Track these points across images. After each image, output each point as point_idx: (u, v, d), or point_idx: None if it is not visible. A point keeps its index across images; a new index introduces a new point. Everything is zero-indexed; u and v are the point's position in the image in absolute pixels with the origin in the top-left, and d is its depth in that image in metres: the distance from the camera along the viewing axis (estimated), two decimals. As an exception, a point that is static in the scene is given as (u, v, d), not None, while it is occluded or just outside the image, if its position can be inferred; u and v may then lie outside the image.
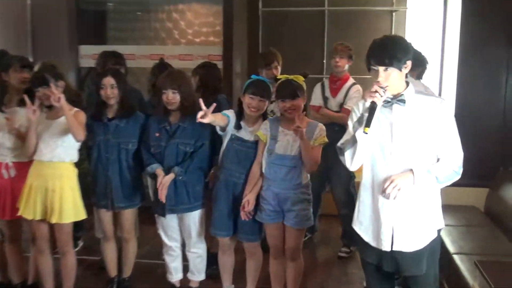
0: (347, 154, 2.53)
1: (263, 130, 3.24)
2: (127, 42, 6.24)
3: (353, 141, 2.48)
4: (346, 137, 2.57)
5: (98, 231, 3.87)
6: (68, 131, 3.32)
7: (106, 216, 3.62)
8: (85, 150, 3.66)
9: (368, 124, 2.38)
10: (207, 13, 6.23)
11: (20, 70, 3.58)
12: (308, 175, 3.25)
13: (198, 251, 3.63)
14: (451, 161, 2.44)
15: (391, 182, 2.41)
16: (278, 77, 3.28)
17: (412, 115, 2.44)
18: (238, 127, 3.32)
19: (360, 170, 2.63)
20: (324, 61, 5.67)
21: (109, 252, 3.74)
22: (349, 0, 5.71)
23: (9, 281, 3.74)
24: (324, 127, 3.19)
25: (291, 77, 3.21)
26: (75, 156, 3.47)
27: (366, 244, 2.61)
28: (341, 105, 4.36)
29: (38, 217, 3.38)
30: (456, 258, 3.50)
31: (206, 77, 4.02)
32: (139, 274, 3.95)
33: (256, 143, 3.30)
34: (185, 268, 3.73)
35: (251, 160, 3.30)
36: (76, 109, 3.39)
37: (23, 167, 3.45)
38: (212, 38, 6.22)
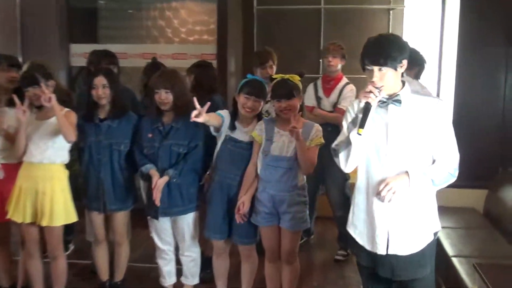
0: (341, 155, 2.52)
1: (258, 131, 3.24)
2: (119, 41, 6.23)
3: (347, 143, 2.47)
4: (340, 138, 2.56)
5: (89, 234, 3.86)
6: (59, 132, 3.31)
7: (97, 218, 3.61)
8: (76, 151, 3.65)
9: (362, 125, 2.38)
10: (201, 11, 6.23)
11: (8, 69, 3.57)
12: (304, 177, 3.25)
13: (192, 255, 3.62)
14: (447, 163, 2.44)
15: (386, 184, 2.41)
16: (273, 77, 3.28)
17: (408, 115, 2.43)
18: (232, 127, 3.32)
19: (355, 171, 2.63)
20: (320, 60, 5.67)
21: (101, 256, 3.74)
22: (346, -2, 5.74)
23: (-2, 285, 3.73)
24: (320, 128, 3.19)
25: (286, 76, 3.21)
26: (66, 158, 3.46)
27: (361, 248, 2.61)
28: (335, 105, 4.37)
29: (28, 220, 3.37)
30: (455, 261, 3.51)
31: (202, 77, 4.01)
32: (132, 278, 3.94)
33: (250, 144, 3.30)
34: (179, 272, 3.72)
35: (245, 161, 3.30)
36: (66, 109, 3.38)
37: (13, 169, 3.44)
38: (206, 36, 6.22)
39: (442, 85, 5.22)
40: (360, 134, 2.39)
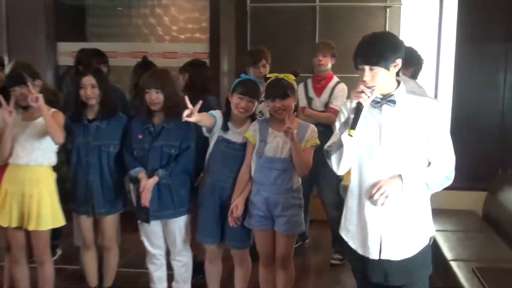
0: (333, 158, 2.51)
1: (252, 132, 3.24)
2: (108, 39, 6.22)
3: (340, 144, 2.45)
4: (333, 139, 2.54)
5: (77, 238, 3.85)
6: (46, 133, 3.30)
7: (86, 222, 3.60)
8: (64, 153, 3.64)
9: (353, 127, 2.35)
10: (193, 9, 6.22)
11: None
12: (300, 179, 3.25)
13: (184, 259, 3.62)
14: (442, 166, 2.43)
15: (379, 188, 2.39)
16: (267, 76, 3.29)
17: (403, 116, 2.41)
18: (225, 128, 3.32)
19: (348, 173, 2.61)
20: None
21: (89, 261, 3.72)
22: (341, -5, 5.76)
23: (-17, 292, 3.71)
24: (315, 129, 3.20)
25: (281, 75, 3.21)
26: (53, 160, 3.45)
27: (354, 252, 2.60)
28: (327, 105, 4.38)
29: (14, 224, 3.35)
30: (454, 265, 3.52)
31: (196, 76, 4.01)
32: (121, 283, 3.93)
33: (244, 145, 3.30)
34: (170, 277, 3.71)
35: (239, 163, 3.30)
36: (53, 109, 3.37)
37: (-2, 171, 3.43)
38: (198, 34, 6.21)
39: (440, 84, 5.24)
40: (351, 136, 2.37)
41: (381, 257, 2.49)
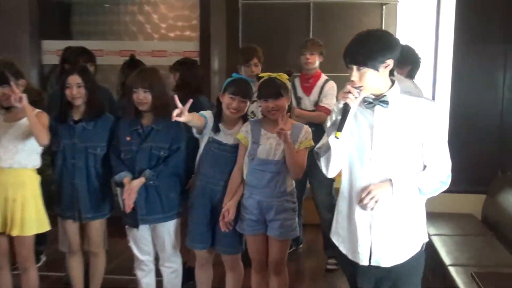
0: (322, 160, 2.50)
1: (244, 133, 3.24)
2: (94, 37, 6.21)
3: (328, 147, 2.44)
4: (322, 141, 2.52)
5: (62, 244, 3.82)
6: (30, 134, 3.29)
7: (72, 227, 3.58)
8: (49, 155, 3.63)
9: (339, 129, 2.33)
10: (183, 6, 6.22)
11: None
12: (293, 182, 3.25)
13: (173, 266, 3.61)
14: (436, 170, 2.41)
15: (368, 192, 2.38)
16: (260, 75, 3.29)
17: (396, 118, 2.39)
18: (216, 129, 3.32)
19: (340, 175, 2.60)
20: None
21: (75, 267, 3.71)
22: (336, -8, 5.78)
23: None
24: (310, 130, 3.20)
25: (274, 75, 3.21)
26: (37, 162, 3.44)
27: (345, 257, 2.59)
28: (317, 104, 4.40)
29: (-4, 229, 3.34)
30: (452, 270, 3.54)
31: (188, 75, 4.01)
32: (108, 291, 3.93)
33: (235, 146, 3.30)
34: (159, 284, 3.70)
35: (230, 165, 3.30)
36: (37, 110, 3.36)
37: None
38: (188, 32, 6.21)
39: (437, 84, 5.27)
40: (337, 138, 2.35)
41: (371, 263, 2.48)
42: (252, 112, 3.99)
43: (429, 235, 4.05)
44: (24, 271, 3.49)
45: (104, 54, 5.84)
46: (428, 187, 2.43)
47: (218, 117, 3.34)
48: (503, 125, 4.79)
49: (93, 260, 3.71)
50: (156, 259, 3.65)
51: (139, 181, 3.33)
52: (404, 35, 5.43)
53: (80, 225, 3.60)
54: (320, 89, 4.41)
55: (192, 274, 3.64)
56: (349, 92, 2.31)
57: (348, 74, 2.38)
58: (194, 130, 3.35)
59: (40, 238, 3.81)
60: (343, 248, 2.60)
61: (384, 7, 5.74)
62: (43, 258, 4.59)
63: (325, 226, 4.48)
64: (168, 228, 3.50)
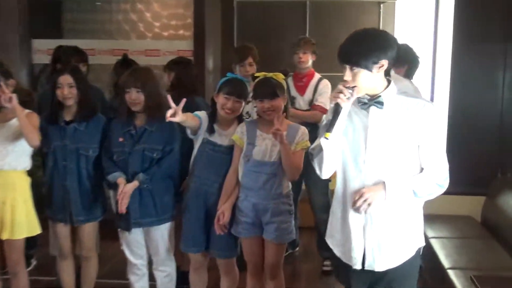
0: (316, 161, 2.50)
1: (239, 134, 3.24)
2: (86, 36, 6.21)
3: (320, 148, 2.43)
4: (316, 141, 2.51)
5: (53, 248, 3.82)
6: (20, 135, 3.28)
7: (63, 231, 3.58)
8: (39, 157, 3.62)
9: (329, 129, 2.33)
10: (176, 4, 6.23)
11: None
12: (290, 184, 3.26)
13: (167, 269, 3.61)
14: (433, 173, 2.40)
15: (361, 195, 2.37)
16: (255, 75, 3.29)
17: (391, 119, 2.38)
18: (210, 130, 3.32)
19: (334, 176, 2.60)
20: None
21: (66, 272, 3.70)
22: (333, -10, 5.79)
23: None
24: (306, 131, 3.20)
25: (269, 74, 3.22)
26: (28, 164, 3.43)
27: (339, 259, 2.59)
28: (311, 103, 4.41)
29: (-15, 233, 3.33)
30: (451, 273, 3.54)
31: (183, 75, 4.01)
32: (101, 295, 3.92)
33: (230, 148, 3.30)
34: (152, 288, 3.71)
35: (225, 167, 3.30)
36: (27, 110, 3.35)
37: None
38: (182, 31, 6.22)
39: (436, 84, 5.28)
40: (327, 139, 2.35)
41: (365, 268, 2.48)
42: (247, 112, 3.99)
43: (428, 238, 4.08)
44: (14, 276, 3.48)
45: (96, 53, 5.82)
46: (424, 191, 2.41)
47: (213, 117, 3.34)
48: (503, 125, 4.79)
49: (84, 264, 3.70)
50: (150, 263, 3.65)
51: (133, 185, 3.33)
52: (402, 34, 5.45)
53: (71, 228, 3.59)
54: (314, 88, 4.43)
55: (186, 278, 3.64)
56: (341, 92, 2.31)
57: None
58: (188, 131, 3.35)
59: (30, 242, 3.81)
60: (337, 251, 2.60)
61: (382, 5, 5.75)
62: (34, 262, 4.57)
63: (320, 227, 4.48)
64: (162, 231, 3.50)
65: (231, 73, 3.44)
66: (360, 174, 2.43)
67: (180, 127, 3.30)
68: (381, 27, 5.51)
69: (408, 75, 4.24)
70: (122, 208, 3.31)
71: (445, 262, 3.72)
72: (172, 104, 2.95)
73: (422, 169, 2.42)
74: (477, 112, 4.83)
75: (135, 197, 3.35)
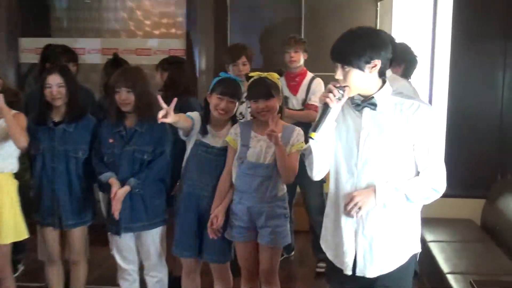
0: (307, 162, 2.51)
1: (233, 135, 3.24)
2: (75, 34, 6.18)
3: (310, 149, 2.44)
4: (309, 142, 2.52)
5: (41, 253, 3.81)
6: (7, 136, 3.28)
7: (52, 235, 3.57)
8: (27, 159, 3.61)
9: (315, 129, 2.32)
10: (168, 2, 6.21)
11: None
12: (285, 187, 3.26)
13: (158, 275, 3.61)
14: (428, 178, 2.37)
15: (351, 199, 2.37)
16: (250, 75, 3.29)
17: (385, 121, 2.37)
18: (203, 131, 3.32)
19: (328, 177, 2.60)
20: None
21: (55, 277, 3.70)
22: (329, -12, 5.79)
23: None
24: (302, 132, 3.20)
25: (264, 74, 3.22)
26: (15, 166, 3.42)
27: (332, 263, 2.59)
28: (304, 103, 4.43)
29: (-29, 237, 3.32)
30: (450, 277, 3.55)
31: (177, 75, 4.01)
32: (90, 301, 3.92)
33: (224, 149, 3.29)
34: (144, 294, 3.70)
35: (218, 169, 3.30)
36: (14, 111, 3.34)
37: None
38: (174, 30, 6.21)
39: (435, 84, 5.29)
40: (312, 139, 2.34)
41: (356, 273, 2.47)
42: (241, 113, 3.99)
43: (427, 242, 4.09)
44: (0, 282, 3.47)
45: (85, 52, 5.81)
46: (417, 195, 2.38)
47: (206, 118, 3.33)
48: (503, 126, 4.79)
49: (74, 270, 3.69)
50: (141, 268, 3.65)
51: (124, 190, 3.32)
52: (399, 32, 5.46)
53: (60, 233, 3.58)
54: (307, 87, 4.45)
55: (178, 284, 3.63)
56: (330, 91, 2.30)
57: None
58: (181, 132, 3.34)
59: (17, 247, 3.80)
60: (329, 255, 2.60)
61: (379, 3, 5.76)
62: (21, 268, 4.56)
63: (316, 228, 4.49)
64: (153, 236, 3.49)
65: (225, 73, 3.44)
66: (353, 177, 2.43)
67: (172, 128, 3.30)
68: (378, 26, 5.52)
69: (406, 74, 4.25)
70: (116, 214, 3.31)
71: (444, 266, 3.73)
72: (163, 105, 2.95)
73: (418, 173, 2.41)
74: (477, 113, 4.84)
75: (126, 202, 3.35)
